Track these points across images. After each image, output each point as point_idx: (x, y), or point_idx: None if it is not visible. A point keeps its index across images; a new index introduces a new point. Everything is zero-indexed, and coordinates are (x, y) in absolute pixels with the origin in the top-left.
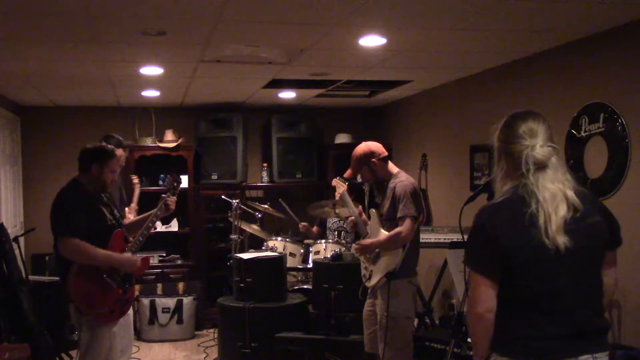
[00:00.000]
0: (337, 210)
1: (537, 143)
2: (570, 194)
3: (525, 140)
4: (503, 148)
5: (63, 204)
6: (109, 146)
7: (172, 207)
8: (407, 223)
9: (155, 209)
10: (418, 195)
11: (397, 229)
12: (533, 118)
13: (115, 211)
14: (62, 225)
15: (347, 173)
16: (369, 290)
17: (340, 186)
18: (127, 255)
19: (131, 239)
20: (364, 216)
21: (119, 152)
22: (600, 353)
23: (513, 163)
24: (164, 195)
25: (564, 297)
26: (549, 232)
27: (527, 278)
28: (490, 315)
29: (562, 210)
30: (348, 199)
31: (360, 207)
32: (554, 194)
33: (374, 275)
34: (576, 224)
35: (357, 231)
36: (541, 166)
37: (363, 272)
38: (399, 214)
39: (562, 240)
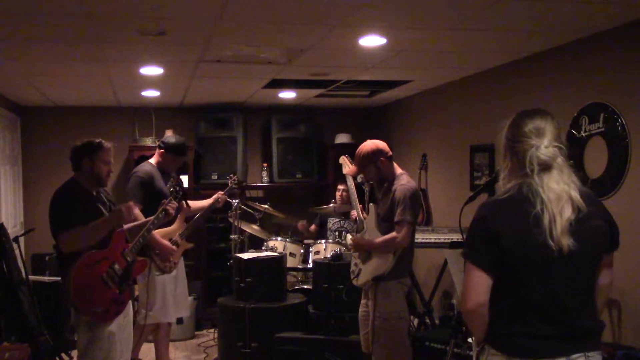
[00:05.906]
0: (336, 209)
1: (543, 143)
2: (576, 195)
3: (531, 139)
4: (509, 146)
5: (58, 202)
6: (96, 140)
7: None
8: (404, 229)
9: (153, 216)
10: (417, 200)
11: (393, 234)
12: (541, 116)
13: None
14: (58, 222)
15: (352, 170)
16: (363, 291)
17: (347, 165)
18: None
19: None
20: (363, 213)
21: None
22: (593, 352)
23: (518, 162)
24: (164, 200)
25: (561, 298)
26: (553, 233)
27: (526, 278)
28: (482, 310)
29: (568, 212)
30: (352, 187)
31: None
32: (559, 195)
33: (362, 275)
34: (579, 226)
35: (356, 222)
36: (546, 167)
37: (352, 267)
38: (396, 219)
39: (566, 242)
